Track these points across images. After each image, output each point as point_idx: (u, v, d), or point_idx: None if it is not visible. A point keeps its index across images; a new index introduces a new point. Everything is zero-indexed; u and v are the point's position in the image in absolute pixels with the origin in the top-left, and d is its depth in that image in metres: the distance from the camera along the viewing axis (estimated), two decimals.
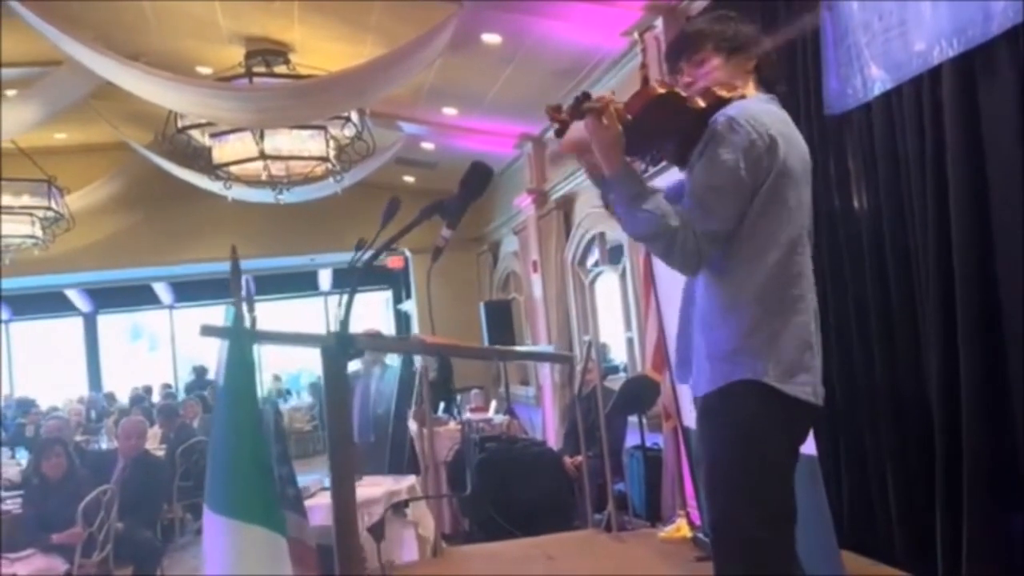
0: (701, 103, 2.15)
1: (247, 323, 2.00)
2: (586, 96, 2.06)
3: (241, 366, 1.71)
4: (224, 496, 1.69)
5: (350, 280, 1.65)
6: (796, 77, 4.14)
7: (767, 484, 2.11)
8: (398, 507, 3.72)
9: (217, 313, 16.43)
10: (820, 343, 2.22)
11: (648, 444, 5.92)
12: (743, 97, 2.21)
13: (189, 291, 16.19)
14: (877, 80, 3.61)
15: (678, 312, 2.44)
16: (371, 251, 1.68)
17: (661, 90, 2.14)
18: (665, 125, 2.17)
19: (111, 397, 14.27)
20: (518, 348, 8.10)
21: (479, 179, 1.78)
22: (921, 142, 3.39)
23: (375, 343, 1.90)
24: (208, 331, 1.71)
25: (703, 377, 2.20)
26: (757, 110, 2.14)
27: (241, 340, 1.69)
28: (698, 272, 2.17)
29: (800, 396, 2.11)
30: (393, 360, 5.20)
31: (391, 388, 5.07)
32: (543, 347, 8.22)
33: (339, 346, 1.49)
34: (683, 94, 2.16)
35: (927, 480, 3.43)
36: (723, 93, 2.18)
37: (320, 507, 3.77)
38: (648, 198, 2.09)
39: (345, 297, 1.65)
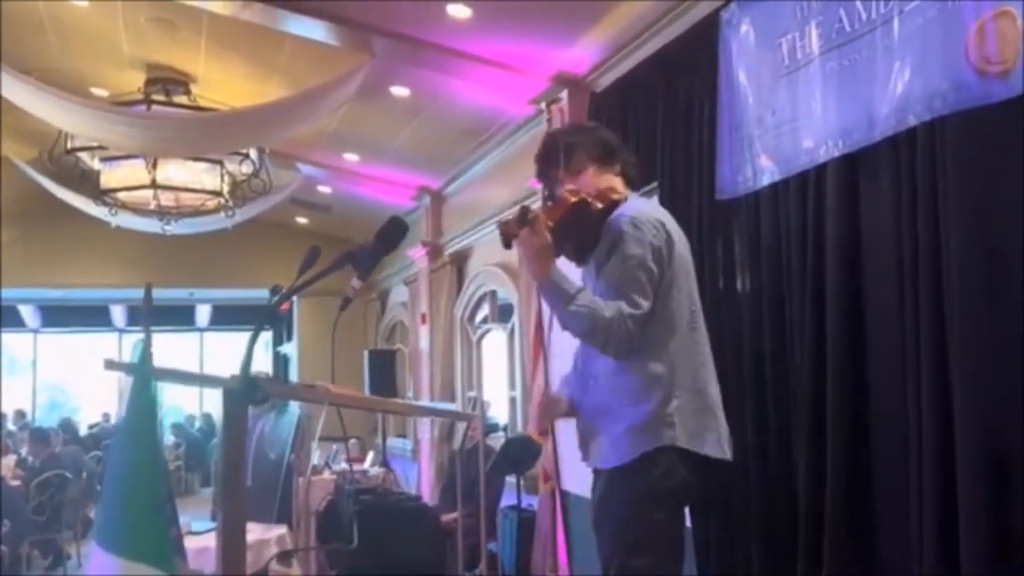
0: (599, 206, 2.41)
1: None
2: (528, 209, 2.29)
3: (144, 403, 1.67)
4: (117, 533, 1.63)
5: (257, 323, 1.65)
6: (692, 159, 4.33)
7: (667, 538, 2.33)
8: (285, 556, 3.62)
9: (85, 341, 15.77)
10: (720, 400, 2.46)
11: (523, 505, 5.93)
12: (626, 198, 2.49)
13: (57, 316, 15.46)
14: (766, 171, 3.81)
15: (568, 383, 2.58)
16: (282, 295, 1.68)
17: (574, 199, 2.38)
18: (573, 228, 2.40)
19: None
20: (422, 403, 8.05)
21: (395, 233, 1.82)
22: (804, 232, 3.59)
23: (281, 390, 1.89)
24: (112, 366, 1.67)
25: (618, 450, 2.35)
26: (649, 209, 2.46)
27: (146, 376, 1.65)
28: (631, 355, 2.31)
29: (710, 454, 2.35)
30: (290, 405, 5.06)
31: (287, 434, 4.92)
32: (446, 404, 8.19)
33: (245, 391, 1.47)
34: (589, 200, 2.40)
35: (790, 557, 3.57)
36: (613, 196, 2.47)
37: (187, 551, 3.63)
38: (580, 296, 2.29)
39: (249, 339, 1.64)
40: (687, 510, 2.49)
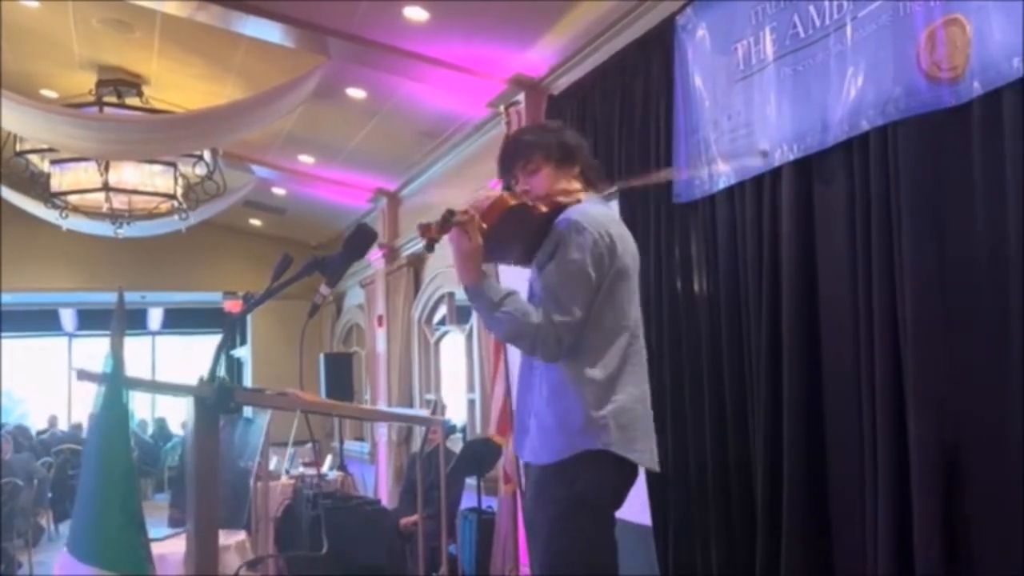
0: (544, 209, 2.37)
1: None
2: (451, 212, 2.22)
3: (117, 412, 1.65)
4: (90, 543, 1.62)
5: (225, 330, 1.64)
6: (649, 163, 4.38)
7: (601, 545, 2.30)
8: (254, 564, 3.59)
9: (34, 346, 15.44)
10: (651, 414, 2.43)
11: (483, 507, 5.95)
12: (579, 201, 2.44)
13: (4, 321, 15.10)
14: (722, 175, 3.87)
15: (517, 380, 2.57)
16: (255, 301, 1.69)
17: (512, 201, 2.34)
18: (514, 231, 2.36)
19: None
20: (389, 409, 8.02)
21: (363, 241, 1.82)
22: (759, 235, 3.66)
23: (253, 398, 1.89)
24: (84, 376, 1.66)
25: (549, 447, 2.32)
26: (596, 213, 2.39)
27: (117, 386, 1.64)
28: (562, 359, 2.30)
29: (642, 463, 2.35)
30: (257, 413, 5.01)
31: (256, 441, 4.88)
32: (411, 409, 8.17)
33: (218, 400, 1.47)
34: (530, 203, 2.36)
35: (749, 558, 3.63)
36: (562, 199, 2.42)
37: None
38: (507, 301, 2.26)
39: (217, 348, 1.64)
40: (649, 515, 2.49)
